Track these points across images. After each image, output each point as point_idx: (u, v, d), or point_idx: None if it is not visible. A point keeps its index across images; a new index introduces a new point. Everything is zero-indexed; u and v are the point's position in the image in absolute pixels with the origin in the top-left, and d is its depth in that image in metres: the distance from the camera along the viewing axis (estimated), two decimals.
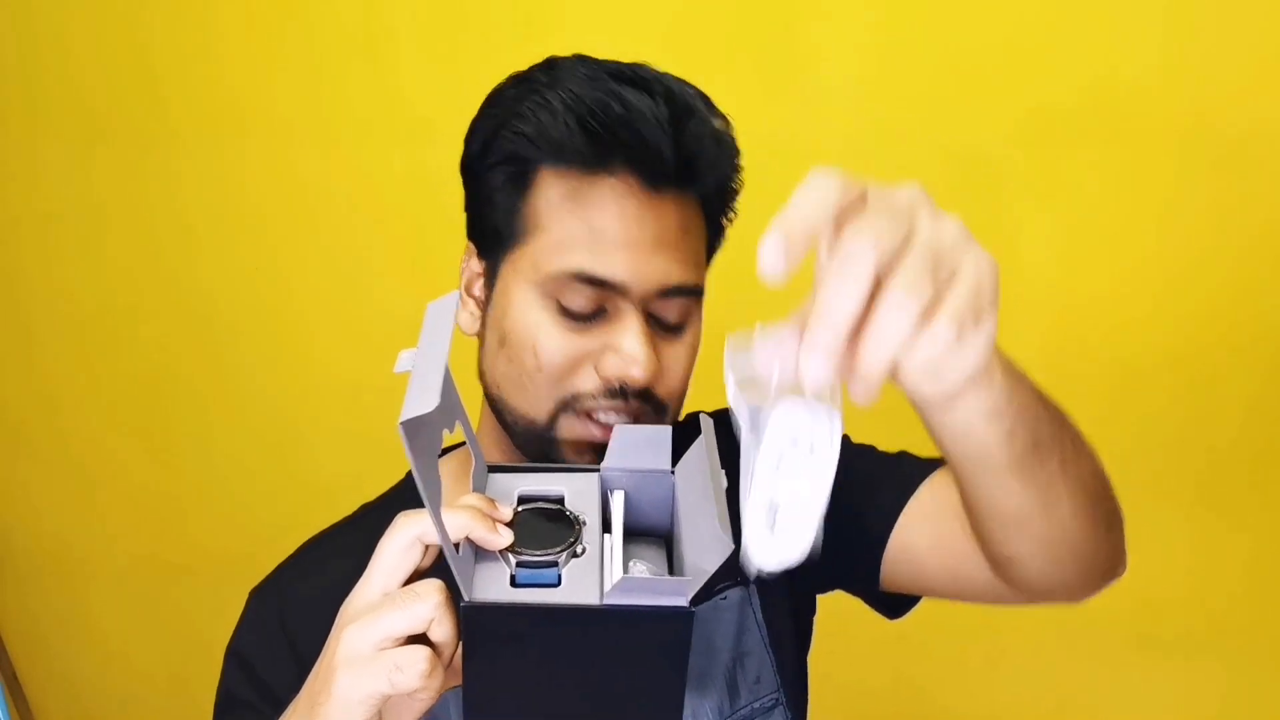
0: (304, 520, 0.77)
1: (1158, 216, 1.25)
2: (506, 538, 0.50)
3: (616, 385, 0.64)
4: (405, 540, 0.50)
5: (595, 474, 0.57)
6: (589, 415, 0.65)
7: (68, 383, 1.53)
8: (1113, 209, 1.25)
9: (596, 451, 0.64)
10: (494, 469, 0.57)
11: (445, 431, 0.51)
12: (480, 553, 0.51)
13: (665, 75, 0.66)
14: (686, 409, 0.70)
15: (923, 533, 0.71)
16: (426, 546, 0.50)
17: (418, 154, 1.33)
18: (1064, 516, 0.59)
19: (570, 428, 0.66)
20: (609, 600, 0.47)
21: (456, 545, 0.49)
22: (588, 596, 0.49)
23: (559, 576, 0.50)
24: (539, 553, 0.50)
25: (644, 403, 0.65)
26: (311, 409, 1.46)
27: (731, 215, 0.71)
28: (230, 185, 1.39)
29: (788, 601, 0.76)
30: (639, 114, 0.62)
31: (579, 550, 0.51)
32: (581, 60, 0.66)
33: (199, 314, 1.46)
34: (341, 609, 0.51)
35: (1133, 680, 1.45)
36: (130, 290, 1.46)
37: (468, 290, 0.71)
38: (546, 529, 0.52)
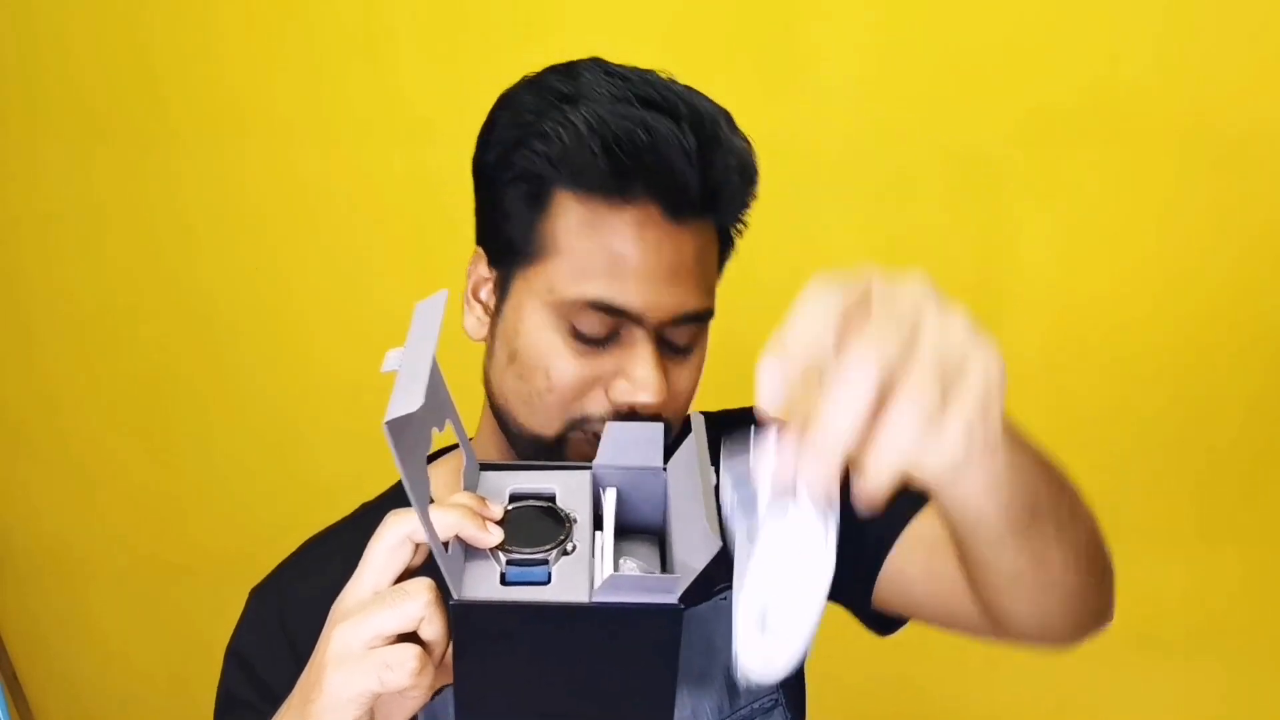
0: (304, 520, 0.77)
1: (1158, 216, 1.25)
2: (497, 536, 0.50)
3: (627, 410, 0.64)
4: (395, 539, 0.50)
5: (588, 471, 0.57)
6: (597, 436, 0.65)
7: (68, 383, 1.53)
8: (1113, 209, 1.25)
9: None
10: (486, 467, 0.57)
11: (435, 431, 0.51)
12: (471, 551, 0.51)
13: (688, 93, 0.65)
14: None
15: (917, 561, 0.71)
16: (417, 545, 0.50)
17: (418, 154, 1.33)
18: (1056, 576, 0.60)
19: (578, 448, 0.66)
20: (597, 598, 0.47)
21: (446, 544, 0.49)
22: (577, 594, 0.49)
23: (549, 574, 0.50)
24: (529, 551, 0.50)
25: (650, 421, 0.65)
26: (311, 409, 1.46)
27: (742, 228, 0.70)
28: (230, 185, 1.39)
29: None
30: (665, 142, 0.61)
31: (569, 548, 0.51)
32: (604, 71, 0.65)
33: (199, 314, 1.46)
34: (333, 607, 0.51)
35: (1133, 680, 1.45)
36: (130, 290, 1.46)
37: (474, 295, 0.70)
38: (537, 527, 0.52)
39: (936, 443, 0.39)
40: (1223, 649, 1.43)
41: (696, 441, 0.54)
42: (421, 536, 0.49)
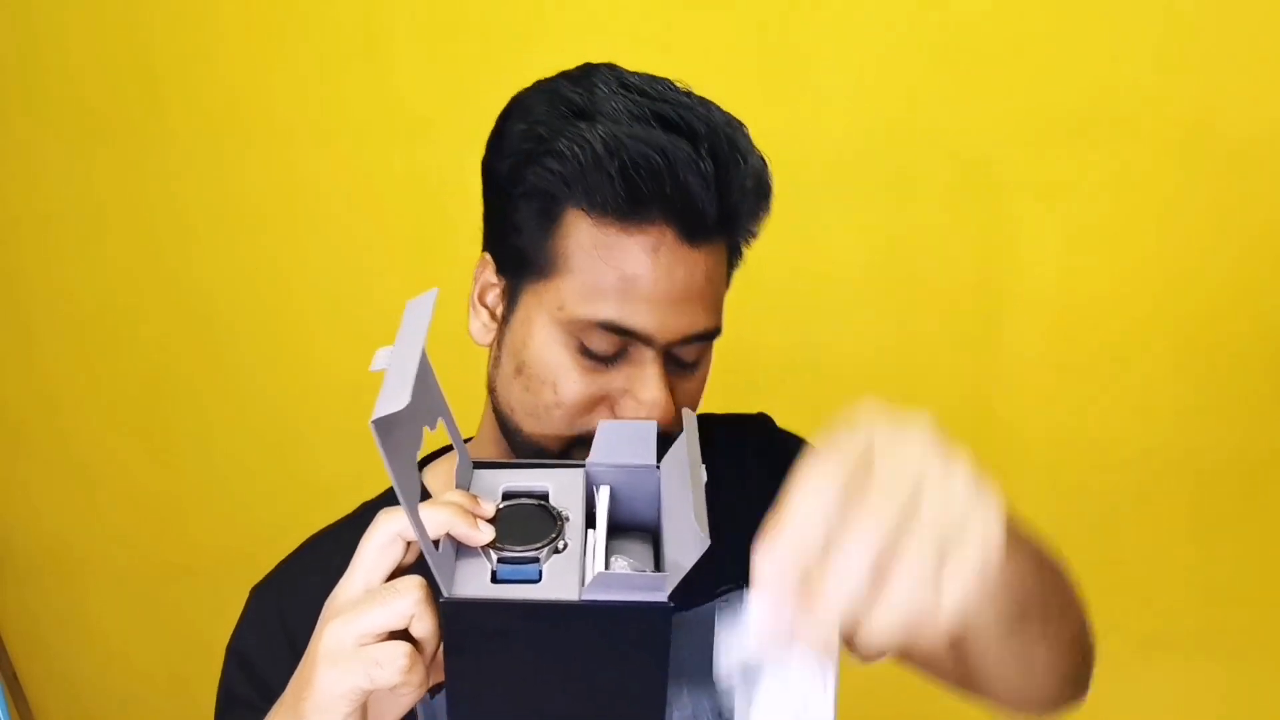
0: (304, 520, 0.77)
1: (1158, 216, 1.25)
2: (488, 534, 0.50)
3: None
4: (385, 537, 0.50)
5: (581, 470, 0.57)
6: None
7: (68, 383, 1.53)
8: (1113, 209, 1.25)
9: None
10: (479, 465, 0.57)
11: (427, 429, 0.51)
12: (463, 549, 0.51)
13: (704, 108, 0.64)
14: None
15: None
16: (408, 543, 0.50)
17: (417, 154, 1.33)
18: (1039, 669, 0.60)
19: (582, 460, 0.66)
20: (586, 596, 0.48)
21: (436, 542, 0.49)
22: (568, 592, 0.49)
23: (540, 572, 0.50)
24: (520, 549, 0.50)
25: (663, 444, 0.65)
26: (311, 409, 1.46)
27: (752, 240, 0.70)
28: (230, 185, 1.39)
29: None
30: (683, 166, 0.60)
31: (560, 546, 0.51)
32: (620, 82, 0.64)
33: (199, 314, 1.46)
34: (326, 605, 0.51)
35: (1133, 680, 1.45)
36: (130, 290, 1.46)
37: (480, 300, 0.70)
38: (529, 525, 0.52)
39: (935, 605, 0.40)
40: (1223, 649, 1.43)
41: (687, 439, 0.54)
42: (413, 534, 0.49)
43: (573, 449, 0.66)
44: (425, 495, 0.73)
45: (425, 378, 0.51)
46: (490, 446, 0.73)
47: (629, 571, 0.51)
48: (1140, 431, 1.34)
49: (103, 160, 1.39)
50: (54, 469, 1.59)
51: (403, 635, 0.49)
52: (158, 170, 1.39)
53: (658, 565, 0.54)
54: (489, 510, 0.52)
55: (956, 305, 1.31)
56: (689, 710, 0.70)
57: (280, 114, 1.34)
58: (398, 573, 0.51)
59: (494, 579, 0.50)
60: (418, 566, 0.50)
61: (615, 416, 0.64)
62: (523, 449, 0.68)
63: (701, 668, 0.70)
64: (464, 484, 0.56)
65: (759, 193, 0.66)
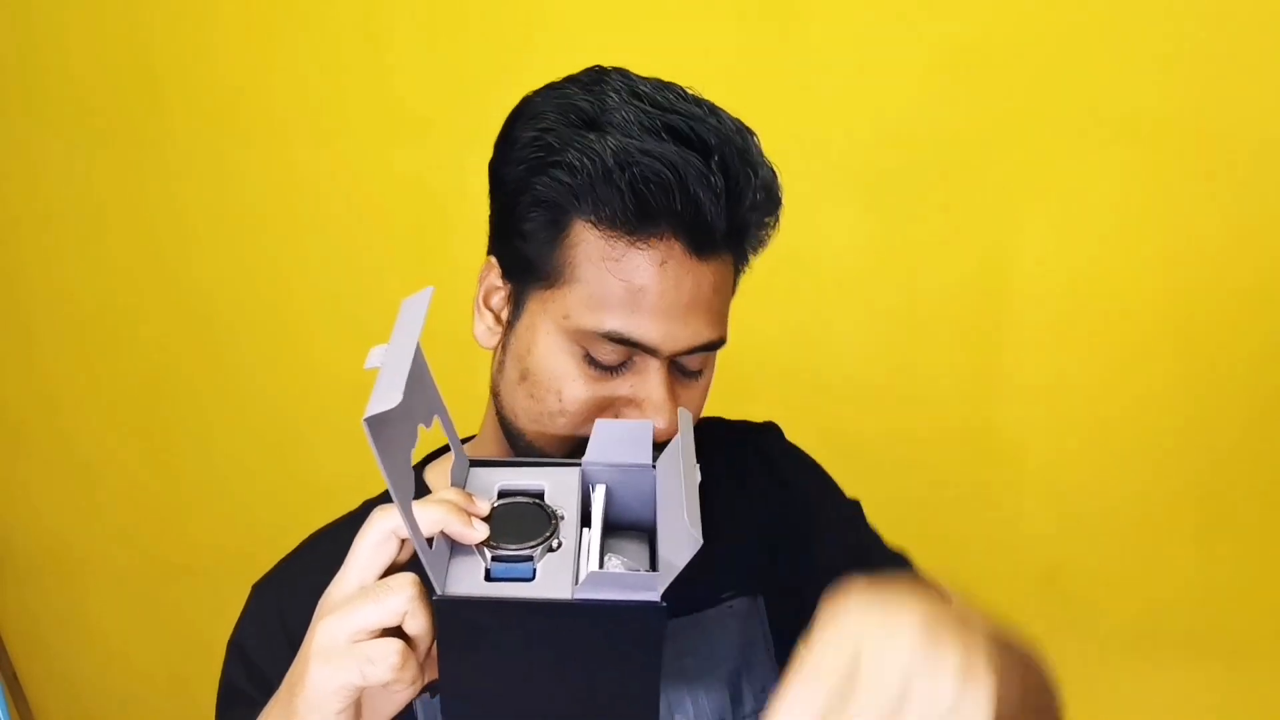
0: (304, 520, 0.77)
1: (1158, 216, 1.25)
2: (482, 532, 0.50)
3: None
4: (380, 534, 0.50)
5: (577, 469, 0.57)
6: None
7: (68, 383, 1.53)
8: (1113, 209, 1.25)
9: None
10: (476, 463, 0.57)
11: (423, 427, 0.51)
12: (458, 546, 0.51)
13: (715, 118, 0.63)
14: None
15: None
16: (403, 541, 0.51)
17: (417, 154, 1.33)
18: None
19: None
20: (579, 595, 0.48)
21: (431, 540, 0.49)
22: (561, 591, 0.49)
23: (534, 571, 0.50)
24: (514, 547, 0.50)
25: (658, 448, 0.65)
26: (311, 409, 1.46)
27: (760, 250, 0.69)
28: (230, 185, 1.39)
29: (801, 615, 0.76)
30: (693, 180, 0.60)
31: (554, 545, 0.51)
32: (631, 90, 0.63)
33: (199, 314, 1.46)
34: (320, 601, 0.52)
35: (1133, 680, 1.45)
36: (130, 290, 1.46)
37: (485, 303, 0.70)
38: (523, 523, 0.52)
39: None
40: (1223, 649, 1.43)
41: (683, 440, 0.54)
42: (407, 532, 0.49)
43: (576, 455, 0.66)
44: (425, 491, 0.73)
45: (420, 376, 0.51)
46: (492, 448, 0.73)
47: (622, 571, 0.51)
48: (1141, 431, 1.34)
49: (103, 160, 1.39)
50: (54, 469, 1.59)
51: (396, 632, 0.49)
52: (158, 170, 1.39)
53: (653, 565, 0.54)
54: (484, 508, 0.52)
55: (956, 305, 1.31)
56: (690, 713, 0.70)
57: (280, 114, 1.34)
58: (393, 570, 0.51)
59: (488, 577, 0.50)
60: (413, 564, 0.50)
61: None
62: (525, 453, 0.68)
63: (704, 671, 0.70)
64: (460, 482, 0.56)
65: (768, 205, 0.66)
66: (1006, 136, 1.23)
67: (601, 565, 0.51)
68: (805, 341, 1.35)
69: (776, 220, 0.67)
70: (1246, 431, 1.32)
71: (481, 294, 0.70)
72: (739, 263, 0.68)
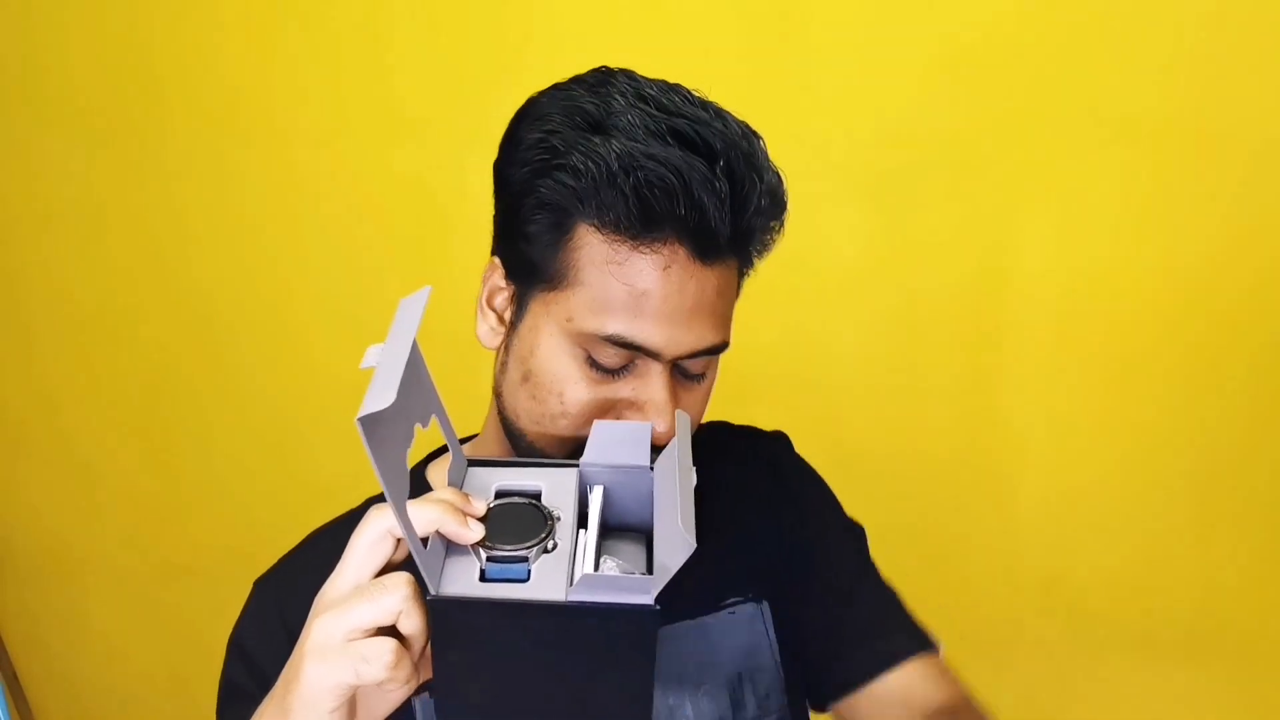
0: (304, 520, 0.77)
1: (1159, 216, 1.25)
2: (478, 532, 0.50)
3: None
4: (376, 533, 0.51)
5: (575, 469, 0.57)
6: None
7: (68, 383, 1.53)
8: (1113, 209, 1.25)
9: None
10: (474, 463, 0.58)
11: (420, 427, 0.51)
12: (454, 546, 0.51)
13: (722, 124, 0.63)
14: None
15: (871, 714, 0.72)
16: (399, 540, 0.51)
17: (417, 154, 1.33)
18: None
19: None
20: (572, 597, 0.48)
21: (425, 539, 0.49)
22: (555, 593, 0.49)
23: (528, 572, 0.50)
24: (509, 548, 0.50)
25: (658, 451, 0.65)
26: (311, 409, 1.46)
27: (764, 254, 0.69)
28: (229, 185, 1.39)
29: (805, 625, 0.76)
30: (698, 185, 0.60)
31: (550, 546, 0.51)
32: (636, 93, 0.63)
33: (199, 314, 1.46)
34: (316, 600, 0.52)
35: (1133, 680, 1.45)
36: (130, 290, 1.46)
37: (488, 303, 0.70)
38: (519, 524, 0.52)
39: None
40: (1223, 649, 1.43)
41: (679, 442, 0.54)
42: (401, 532, 0.49)
43: (577, 456, 0.66)
44: (427, 489, 0.73)
45: (417, 375, 0.51)
46: (494, 448, 0.73)
47: (617, 573, 0.51)
48: (1141, 433, 1.34)
49: (103, 160, 1.39)
50: (54, 469, 1.59)
51: (391, 632, 0.49)
52: (158, 170, 1.39)
53: (650, 567, 0.54)
54: (480, 508, 0.52)
55: (956, 306, 1.31)
56: (690, 716, 0.70)
57: (280, 114, 1.34)
58: (389, 569, 0.51)
59: (483, 577, 0.50)
60: (409, 563, 0.50)
61: None
62: (527, 453, 0.68)
63: (705, 675, 0.70)
64: (457, 481, 0.56)
65: (773, 210, 0.65)
66: (1007, 136, 1.23)
67: (597, 567, 0.51)
68: (805, 342, 1.35)
69: (781, 225, 0.67)
70: (1247, 433, 1.32)
71: (485, 294, 0.70)
72: (743, 267, 0.68)
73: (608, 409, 0.65)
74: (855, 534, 0.80)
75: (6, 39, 1.36)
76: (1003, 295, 1.30)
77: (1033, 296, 1.29)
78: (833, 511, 0.80)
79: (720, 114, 0.64)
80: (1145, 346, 1.30)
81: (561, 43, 1.26)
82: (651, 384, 0.64)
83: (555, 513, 0.54)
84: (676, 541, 0.48)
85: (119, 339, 1.49)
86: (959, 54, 1.21)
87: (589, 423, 0.64)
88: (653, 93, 0.63)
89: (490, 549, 0.50)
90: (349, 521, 0.75)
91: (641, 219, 0.60)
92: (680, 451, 0.53)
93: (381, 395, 0.44)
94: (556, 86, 0.66)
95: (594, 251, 0.62)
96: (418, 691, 0.52)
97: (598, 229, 0.62)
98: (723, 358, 0.69)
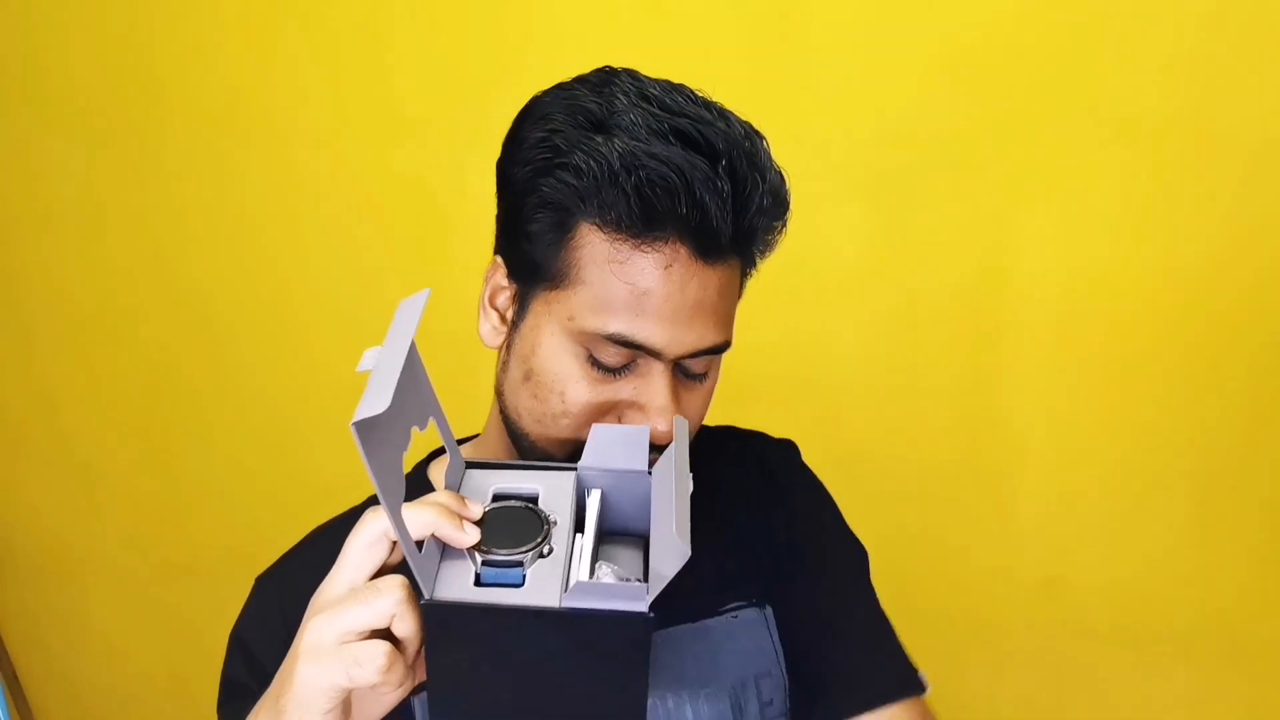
0: (304, 520, 0.77)
1: (1159, 217, 1.25)
2: (473, 536, 0.50)
3: None
4: (371, 535, 0.51)
5: (573, 473, 0.57)
6: None
7: (68, 383, 1.53)
8: (1113, 209, 1.25)
9: None
10: (472, 465, 0.57)
11: (416, 429, 0.51)
12: (449, 549, 0.51)
13: (725, 124, 0.63)
14: None
15: None
16: (394, 542, 0.51)
17: (417, 154, 1.33)
18: None
19: None
20: (566, 603, 0.48)
21: (420, 543, 0.49)
22: (549, 598, 0.49)
23: (523, 576, 0.50)
24: (505, 552, 0.50)
25: (661, 453, 0.65)
26: (311, 409, 1.46)
27: (767, 254, 0.69)
28: (229, 185, 1.39)
29: (808, 632, 0.75)
30: (700, 184, 0.60)
31: (545, 551, 0.52)
32: (639, 93, 0.63)
33: (199, 314, 1.46)
34: (311, 601, 0.52)
35: (1132, 680, 1.45)
36: (130, 290, 1.46)
37: (491, 302, 0.70)
38: (515, 528, 0.52)
39: None
40: (1222, 649, 1.43)
41: (677, 447, 0.54)
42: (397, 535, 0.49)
43: (578, 456, 0.66)
44: (428, 488, 0.73)
45: (414, 377, 0.51)
46: (496, 448, 0.73)
47: (612, 579, 0.51)
48: (1141, 431, 1.34)
49: (103, 160, 1.39)
50: (54, 469, 1.59)
51: (385, 634, 0.49)
52: (158, 170, 1.39)
53: (647, 573, 0.54)
54: (476, 512, 0.52)
55: (956, 306, 1.31)
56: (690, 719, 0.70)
57: (280, 114, 1.34)
58: (384, 571, 0.51)
59: (478, 581, 0.50)
60: (405, 565, 0.50)
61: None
62: (529, 454, 0.68)
63: (706, 680, 0.70)
64: (455, 484, 0.56)
65: (776, 210, 0.65)
66: (1007, 137, 1.23)
67: (592, 573, 0.51)
68: (805, 342, 1.35)
69: (784, 225, 0.67)
70: (1246, 433, 1.32)
71: (487, 293, 0.70)
72: (746, 266, 0.68)
73: (609, 408, 0.65)
74: (854, 546, 0.79)
75: (6, 39, 1.36)
76: (1003, 295, 1.30)
77: (1033, 296, 1.29)
78: (829, 514, 0.80)
79: (723, 114, 0.64)
80: (1145, 347, 1.30)
81: (561, 43, 1.26)
82: (653, 383, 0.64)
83: (552, 517, 0.54)
84: (671, 549, 0.48)
85: (119, 339, 1.49)
86: (959, 54, 1.21)
87: (590, 422, 0.64)
88: (656, 92, 0.63)
89: (485, 553, 0.50)
90: (351, 519, 0.75)
91: (643, 218, 0.60)
92: (678, 457, 0.53)
93: (376, 400, 0.44)
94: (560, 86, 0.66)
95: (596, 250, 0.62)
96: (415, 691, 0.52)
97: (599, 228, 0.62)
98: (723, 358, 0.69)
